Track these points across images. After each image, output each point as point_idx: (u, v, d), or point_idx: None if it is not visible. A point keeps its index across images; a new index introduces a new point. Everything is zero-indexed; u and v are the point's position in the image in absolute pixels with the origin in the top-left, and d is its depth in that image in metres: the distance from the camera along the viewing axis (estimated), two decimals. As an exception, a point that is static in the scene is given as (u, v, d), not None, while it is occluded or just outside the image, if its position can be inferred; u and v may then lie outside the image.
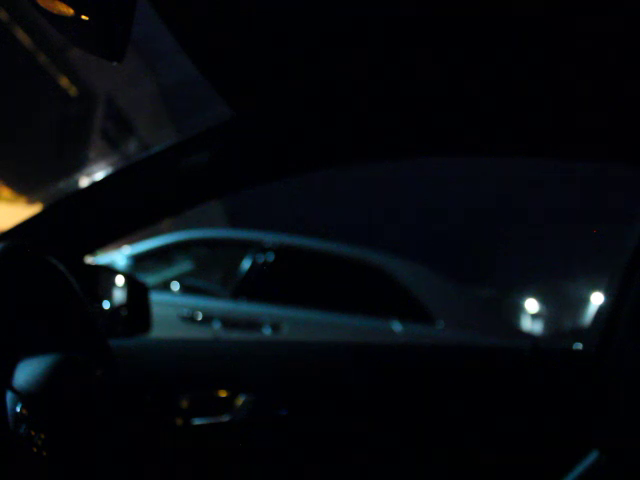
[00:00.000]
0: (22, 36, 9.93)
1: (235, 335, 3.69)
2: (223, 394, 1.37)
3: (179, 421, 1.34)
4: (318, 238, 4.47)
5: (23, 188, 10.33)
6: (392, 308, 3.99)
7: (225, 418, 1.34)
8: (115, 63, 0.80)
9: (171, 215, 1.50)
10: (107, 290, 1.41)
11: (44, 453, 0.77)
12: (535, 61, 1.11)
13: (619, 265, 1.35)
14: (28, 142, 9.98)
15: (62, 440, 0.81)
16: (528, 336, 6.82)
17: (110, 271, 1.58)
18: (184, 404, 1.35)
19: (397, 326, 3.85)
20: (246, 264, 4.03)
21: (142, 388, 1.35)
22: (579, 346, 1.52)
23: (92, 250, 1.45)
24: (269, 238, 4.18)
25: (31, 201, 10.01)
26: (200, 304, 3.83)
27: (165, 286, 4.27)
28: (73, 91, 11.62)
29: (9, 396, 0.76)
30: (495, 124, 1.36)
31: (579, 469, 1.27)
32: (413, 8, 0.99)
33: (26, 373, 0.81)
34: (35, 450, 0.76)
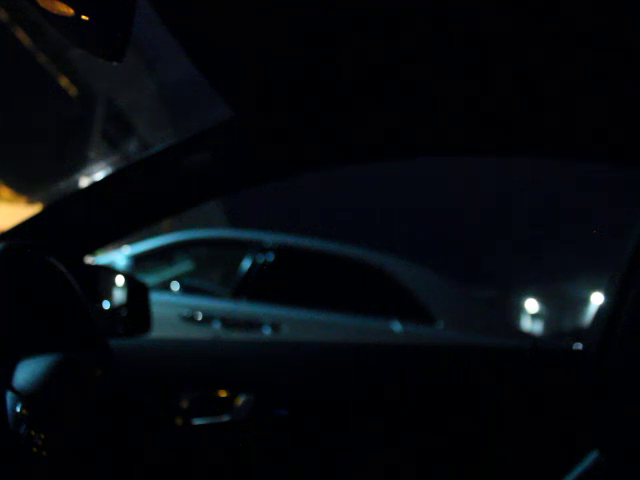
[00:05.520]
0: (22, 36, 9.94)
1: (235, 335, 3.69)
2: (223, 394, 1.37)
3: (179, 421, 1.34)
4: (318, 238, 4.47)
5: (23, 188, 10.34)
6: (392, 308, 3.99)
7: (225, 418, 1.34)
8: (115, 63, 0.80)
9: (171, 215, 1.50)
10: (107, 290, 1.41)
11: (44, 453, 0.77)
12: (535, 61, 1.11)
13: (619, 265, 1.35)
14: (28, 142, 9.99)
15: (62, 440, 0.81)
16: (528, 336, 6.82)
17: (110, 271, 1.58)
18: (184, 404, 1.35)
19: (397, 326, 3.84)
20: (246, 264, 4.03)
21: (142, 388, 1.35)
22: (579, 346, 1.52)
23: (92, 250, 1.45)
24: (269, 238, 4.18)
25: (31, 201, 10.02)
26: (200, 304, 3.83)
27: (165, 286, 4.27)
28: (73, 91, 11.63)
29: (9, 396, 0.76)
30: (495, 124, 1.36)
31: (579, 469, 1.27)
32: (412, 7, 0.99)
33: (26, 373, 0.81)
34: (35, 450, 0.76)
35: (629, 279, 1.27)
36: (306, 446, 1.36)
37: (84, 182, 9.28)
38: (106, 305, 1.39)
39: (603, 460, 1.24)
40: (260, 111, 1.35)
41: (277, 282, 4.10)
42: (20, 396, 0.77)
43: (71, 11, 0.73)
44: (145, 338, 1.46)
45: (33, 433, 0.76)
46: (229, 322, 3.70)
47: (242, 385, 1.38)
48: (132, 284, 1.45)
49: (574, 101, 1.24)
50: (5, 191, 10.28)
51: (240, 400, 1.35)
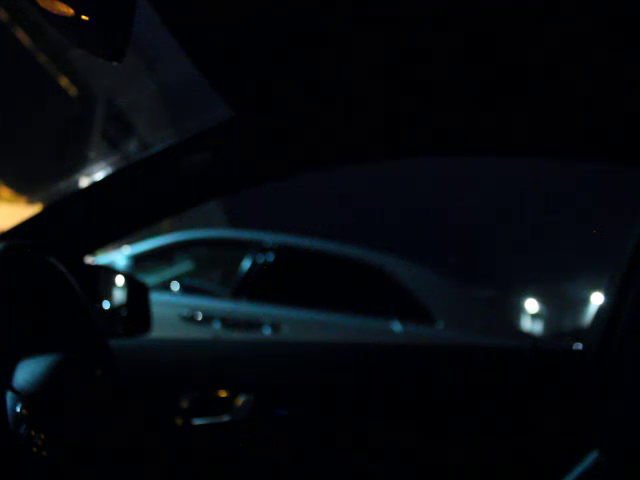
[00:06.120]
0: (22, 36, 9.94)
1: (235, 335, 3.69)
2: (223, 394, 1.37)
3: (179, 421, 1.34)
4: (318, 238, 4.47)
5: (23, 188, 10.34)
6: (392, 308, 3.99)
7: (225, 418, 1.34)
8: (115, 63, 0.81)
9: (171, 215, 1.50)
10: (107, 290, 1.41)
11: (44, 453, 0.77)
12: (535, 61, 1.11)
13: (619, 265, 1.35)
14: (28, 142, 9.99)
15: (62, 440, 0.81)
16: (528, 336, 6.82)
17: (110, 271, 1.58)
18: (184, 404, 1.35)
19: (397, 326, 3.85)
20: (246, 264, 4.03)
21: (142, 388, 1.35)
22: (579, 346, 1.52)
23: (92, 250, 1.45)
24: (269, 238, 4.18)
25: (31, 201, 10.02)
26: (200, 304, 3.83)
27: (165, 286, 4.27)
28: (73, 91, 11.63)
29: (9, 396, 0.76)
30: (495, 124, 1.36)
31: (579, 469, 1.27)
32: (412, 6, 0.99)
33: (26, 373, 0.81)
34: (35, 450, 0.76)
35: (629, 279, 1.27)
36: (306, 446, 1.36)
37: (84, 182, 9.28)
38: (106, 305, 1.39)
39: (603, 460, 1.25)
40: (260, 111, 1.35)
41: (277, 282, 4.10)
42: (20, 396, 0.77)
43: (71, 11, 0.74)
44: (145, 338, 1.46)
45: (33, 433, 0.76)
46: (229, 322, 3.70)
47: (242, 385, 1.38)
48: (132, 284, 1.45)
49: (574, 101, 1.24)
50: (5, 191, 10.28)
51: (240, 400, 1.35)
